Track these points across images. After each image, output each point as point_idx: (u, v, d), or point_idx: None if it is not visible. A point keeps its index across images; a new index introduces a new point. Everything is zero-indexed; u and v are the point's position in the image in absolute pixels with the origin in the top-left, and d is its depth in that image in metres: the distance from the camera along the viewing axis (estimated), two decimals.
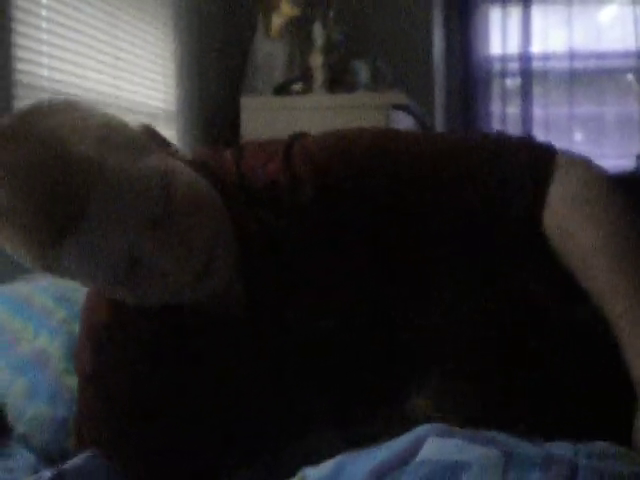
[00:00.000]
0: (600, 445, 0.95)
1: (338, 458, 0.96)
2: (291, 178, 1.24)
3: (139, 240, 1.07)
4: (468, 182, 1.25)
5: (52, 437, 1.53)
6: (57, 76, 2.53)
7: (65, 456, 1.39)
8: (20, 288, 1.78)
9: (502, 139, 1.31)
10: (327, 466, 0.95)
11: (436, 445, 0.90)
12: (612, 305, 1.15)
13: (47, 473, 1.17)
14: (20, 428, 1.56)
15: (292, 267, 1.25)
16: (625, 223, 1.21)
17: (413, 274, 1.29)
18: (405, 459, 0.89)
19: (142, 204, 1.06)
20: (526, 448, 0.90)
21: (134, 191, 1.06)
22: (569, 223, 1.22)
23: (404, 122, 3.74)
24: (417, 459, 0.88)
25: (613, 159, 4.80)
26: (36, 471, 1.40)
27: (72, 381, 1.45)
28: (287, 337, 1.27)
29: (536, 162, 1.26)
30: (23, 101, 2.32)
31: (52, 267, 1.09)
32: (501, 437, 0.95)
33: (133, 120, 1.19)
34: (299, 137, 1.31)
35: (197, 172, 1.18)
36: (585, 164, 1.31)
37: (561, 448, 0.93)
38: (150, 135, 1.18)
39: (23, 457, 1.49)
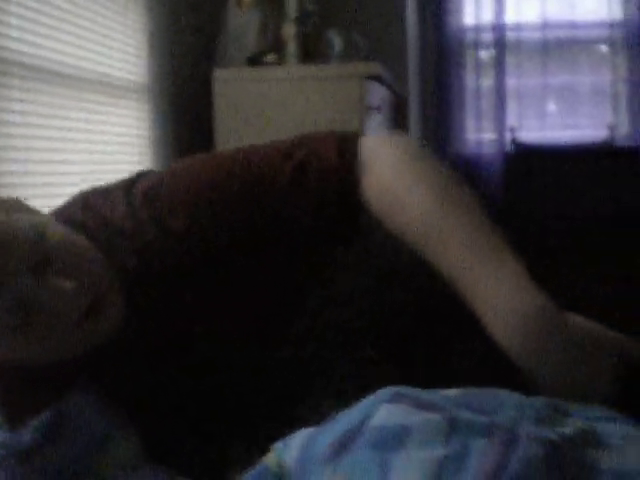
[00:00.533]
0: (544, 405, 0.97)
1: (304, 436, 0.99)
2: (135, 223, 1.31)
3: (23, 285, 1.15)
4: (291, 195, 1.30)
5: None
6: (25, 48, 2.50)
7: None
8: None
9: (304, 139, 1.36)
10: (295, 444, 0.98)
11: (385, 411, 0.93)
12: (463, 276, 1.16)
13: (46, 413, 1.21)
14: None
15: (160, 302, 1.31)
16: (451, 182, 1.24)
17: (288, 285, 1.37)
18: (359, 428, 0.92)
19: (20, 250, 1.16)
20: (469, 415, 0.93)
21: (10, 240, 1.15)
22: (394, 189, 1.23)
23: (378, 93, 3.73)
24: (368, 426, 0.92)
25: (586, 129, 4.83)
26: None
27: None
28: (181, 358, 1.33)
29: (342, 142, 1.31)
30: None
31: None
32: (453, 396, 0.98)
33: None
34: (140, 177, 1.40)
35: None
36: (401, 136, 1.35)
37: (509, 408, 0.95)
38: (18, 203, 1.29)
39: None
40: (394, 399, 0.95)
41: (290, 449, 0.99)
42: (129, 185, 1.36)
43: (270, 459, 1.01)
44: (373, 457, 0.87)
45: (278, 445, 1.01)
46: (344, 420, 0.96)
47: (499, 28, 4.86)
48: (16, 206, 1.28)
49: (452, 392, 1.02)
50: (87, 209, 1.37)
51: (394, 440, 0.88)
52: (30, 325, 1.17)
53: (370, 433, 0.90)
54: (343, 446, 0.91)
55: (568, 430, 0.93)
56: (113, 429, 1.23)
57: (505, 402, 0.99)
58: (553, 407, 0.98)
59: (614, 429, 0.98)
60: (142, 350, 1.31)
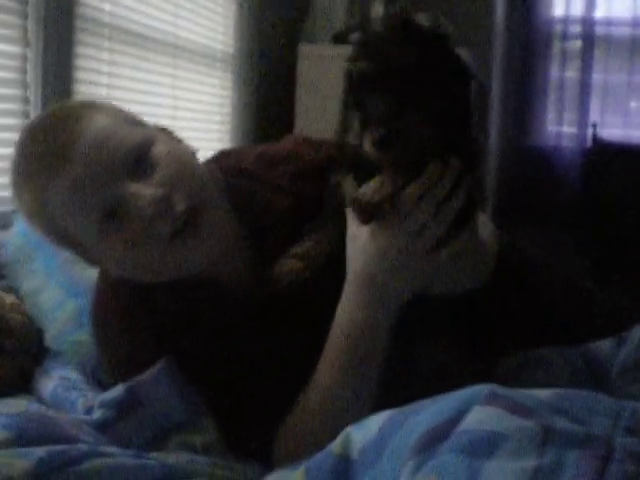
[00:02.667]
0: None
1: (382, 420, 0.95)
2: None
3: (121, 189, 1.17)
4: None
5: (92, 362, 1.53)
6: (116, 11, 2.53)
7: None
8: None
9: None
10: (372, 430, 0.95)
11: (478, 414, 0.90)
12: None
13: (120, 387, 1.22)
14: (60, 347, 1.59)
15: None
16: None
17: None
18: (448, 430, 0.89)
19: (123, 156, 1.18)
20: (564, 423, 0.89)
21: (116, 145, 1.19)
22: None
23: None
24: (458, 429, 0.88)
25: None
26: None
27: None
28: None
29: None
30: (84, 35, 2.32)
31: (49, 210, 1.19)
32: (547, 399, 0.95)
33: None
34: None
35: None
36: None
37: (604, 415, 0.92)
38: (136, 117, 1.35)
39: (67, 373, 1.51)
40: (488, 401, 0.92)
41: (366, 430, 0.96)
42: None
43: (335, 444, 0.97)
44: (463, 463, 0.84)
45: (349, 428, 0.98)
46: (432, 413, 0.92)
47: (588, 22, 4.78)
48: (132, 119, 1.32)
49: (546, 394, 0.98)
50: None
51: (486, 447, 0.85)
52: (122, 230, 1.18)
53: (461, 437, 0.87)
54: (430, 444, 0.88)
55: None
56: (190, 417, 1.22)
57: (600, 408, 0.96)
58: None
59: None
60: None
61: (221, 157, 1.51)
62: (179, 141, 1.35)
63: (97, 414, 1.22)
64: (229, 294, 1.30)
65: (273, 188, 1.39)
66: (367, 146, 1.15)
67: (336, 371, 1.18)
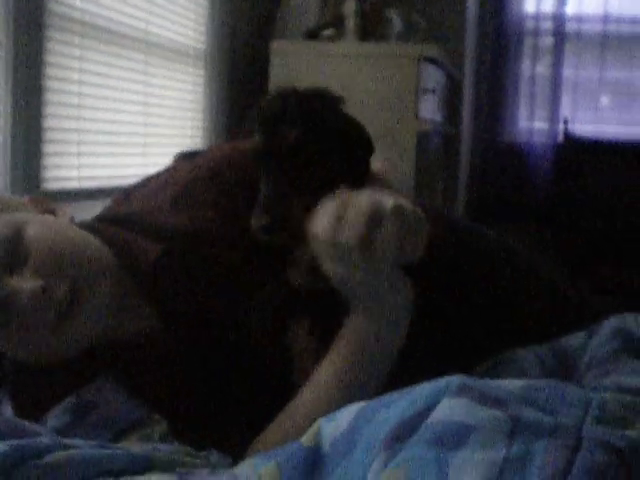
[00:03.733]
0: (610, 401, 0.95)
1: (353, 413, 0.96)
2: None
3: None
4: None
5: None
6: (90, 7, 2.52)
7: None
8: None
9: None
10: (343, 422, 0.95)
11: (447, 406, 0.90)
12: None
13: (68, 399, 1.21)
14: None
15: None
16: None
17: None
18: (418, 422, 0.89)
19: None
20: (534, 413, 0.90)
21: None
22: None
23: (433, 75, 3.72)
24: (428, 421, 0.89)
25: None
26: None
27: None
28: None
29: None
30: (55, 31, 2.31)
31: None
32: (517, 390, 0.95)
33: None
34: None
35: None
36: None
37: (574, 405, 0.93)
38: (34, 201, 1.34)
39: None
40: (457, 392, 0.92)
41: (337, 422, 0.96)
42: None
43: (305, 437, 0.97)
44: (432, 454, 0.84)
45: (320, 420, 0.99)
46: (403, 406, 0.92)
47: (560, 18, 4.81)
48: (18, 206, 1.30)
49: (515, 385, 0.99)
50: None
51: (454, 438, 0.85)
52: (8, 326, 1.18)
53: (430, 428, 0.88)
54: (400, 436, 0.88)
55: (636, 434, 0.90)
56: (142, 414, 1.23)
57: (569, 398, 0.96)
58: (620, 404, 0.96)
59: None
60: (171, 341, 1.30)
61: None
62: (51, 211, 1.34)
63: (53, 422, 1.21)
64: (135, 349, 1.30)
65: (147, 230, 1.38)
66: (255, 231, 1.19)
67: (340, 378, 1.21)
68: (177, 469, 1.04)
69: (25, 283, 1.17)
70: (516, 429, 0.85)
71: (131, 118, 2.82)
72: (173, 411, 1.25)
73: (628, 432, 0.90)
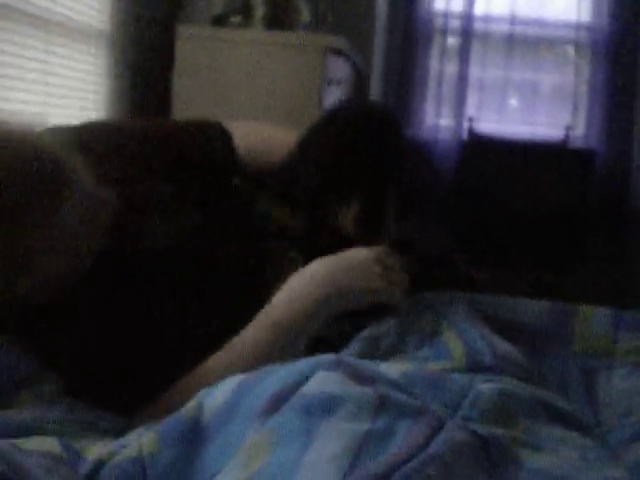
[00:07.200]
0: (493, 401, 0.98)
1: (234, 385, 0.98)
2: None
3: None
4: None
5: None
6: None
7: None
8: None
9: None
10: (223, 394, 0.99)
11: (320, 379, 0.94)
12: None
13: None
14: None
15: None
16: None
17: None
18: (292, 392, 0.93)
19: None
20: (402, 396, 0.94)
21: None
22: None
23: (340, 67, 3.72)
24: (301, 390, 0.93)
25: (544, 127, 4.85)
26: None
27: None
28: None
29: None
30: None
31: None
32: (397, 374, 0.99)
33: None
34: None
35: None
36: None
37: (450, 397, 0.97)
38: None
39: None
40: (332, 367, 0.96)
41: (218, 394, 0.99)
42: None
43: (186, 408, 1.00)
44: (301, 422, 0.88)
45: (201, 392, 1.02)
46: (279, 377, 0.96)
47: (467, 17, 4.86)
48: None
49: (396, 369, 1.03)
50: None
51: (324, 408, 0.88)
52: None
53: (302, 398, 0.91)
54: (274, 405, 0.92)
55: (501, 432, 0.94)
56: (35, 370, 1.22)
57: (448, 389, 1.00)
58: (498, 401, 0.99)
59: (560, 434, 0.99)
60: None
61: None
62: None
63: None
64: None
65: None
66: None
67: (257, 340, 1.37)
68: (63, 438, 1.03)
69: None
70: (383, 406, 0.89)
71: (31, 97, 2.75)
72: (78, 363, 1.29)
73: (495, 429, 0.93)
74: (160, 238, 1.41)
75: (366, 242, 1.46)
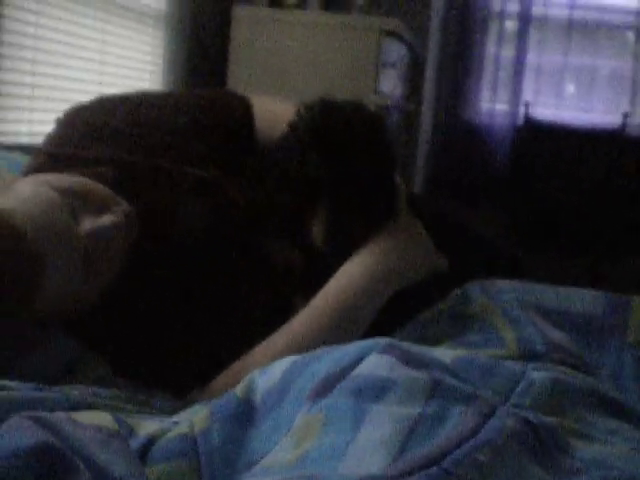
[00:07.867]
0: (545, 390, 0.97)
1: (285, 366, 0.98)
2: None
3: None
4: None
5: None
6: None
7: None
8: None
9: None
10: (275, 375, 0.99)
11: (372, 362, 0.94)
12: None
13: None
14: None
15: None
16: None
17: None
18: (344, 375, 0.93)
19: None
20: (454, 381, 0.93)
21: None
22: None
23: (396, 50, 3.70)
24: (353, 373, 0.92)
25: (600, 114, 4.79)
26: None
27: None
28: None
29: None
30: None
31: None
32: (448, 359, 0.98)
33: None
34: None
35: None
36: None
37: (499, 384, 0.96)
38: None
39: None
40: (384, 350, 0.95)
41: (270, 375, 0.99)
42: None
43: (239, 388, 1.00)
44: (352, 404, 0.87)
45: (254, 373, 1.02)
46: (332, 359, 0.96)
47: (526, 1, 4.80)
48: None
49: (449, 355, 1.02)
50: None
51: (375, 391, 0.88)
52: None
53: (353, 381, 0.90)
54: (326, 387, 0.91)
55: (553, 420, 0.93)
56: (83, 353, 1.23)
57: (500, 375, 1.00)
58: (550, 390, 0.98)
59: (612, 425, 0.99)
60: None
61: None
62: None
63: None
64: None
65: None
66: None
67: (315, 324, 1.33)
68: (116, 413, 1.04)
69: None
70: (435, 392, 0.89)
71: (86, 76, 2.78)
72: (129, 346, 1.30)
73: (546, 417, 0.92)
74: (197, 217, 1.40)
75: (336, 253, 1.41)
